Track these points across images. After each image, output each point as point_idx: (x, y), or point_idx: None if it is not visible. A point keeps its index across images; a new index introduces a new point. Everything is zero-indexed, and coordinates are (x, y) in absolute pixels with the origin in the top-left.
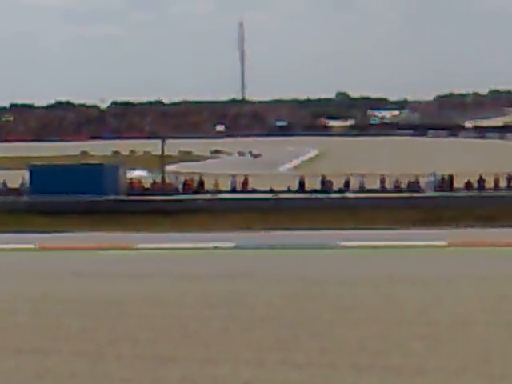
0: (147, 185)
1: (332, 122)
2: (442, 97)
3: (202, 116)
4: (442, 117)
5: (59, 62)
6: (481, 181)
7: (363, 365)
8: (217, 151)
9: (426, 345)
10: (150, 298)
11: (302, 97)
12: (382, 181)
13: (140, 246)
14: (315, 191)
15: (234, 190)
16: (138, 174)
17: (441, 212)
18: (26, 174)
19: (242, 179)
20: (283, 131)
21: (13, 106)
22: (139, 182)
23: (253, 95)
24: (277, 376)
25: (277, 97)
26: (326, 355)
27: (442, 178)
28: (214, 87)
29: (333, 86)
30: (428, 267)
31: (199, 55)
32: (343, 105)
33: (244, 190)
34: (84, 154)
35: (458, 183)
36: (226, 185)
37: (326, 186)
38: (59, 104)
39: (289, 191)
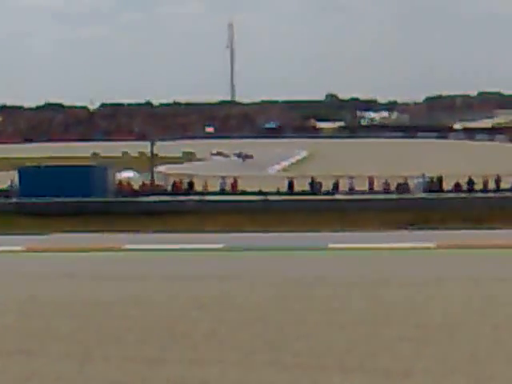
0: (136, 186)
1: (321, 124)
2: (432, 98)
3: (192, 117)
4: (432, 118)
5: (49, 63)
6: (470, 182)
7: (351, 366)
8: (219, 153)
9: (414, 346)
10: (138, 300)
11: (292, 98)
12: (371, 182)
13: (128, 247)
14: (304, 193)
15: (223, 192)
16: (126, 175)
17: (429, 214)
18: (15, 176)
19: (231, 181)
20: (273, 133)
21: (2, 107)
22: (128, 183)
23: (242, 97)
24: (265, 377)
25: (266, 98)
26: (314, 357)
27: (431, 180)
28: (204, 89)
29: (322, 87)
30: (416, 269)
31: (189, 56)
32: (333, 106)
33: (233, 192)
34: (95, 155)
35: (447, 185)
36: (215, 186)
37: (314, 187)
38: (48, 105)
39: (278, 193)
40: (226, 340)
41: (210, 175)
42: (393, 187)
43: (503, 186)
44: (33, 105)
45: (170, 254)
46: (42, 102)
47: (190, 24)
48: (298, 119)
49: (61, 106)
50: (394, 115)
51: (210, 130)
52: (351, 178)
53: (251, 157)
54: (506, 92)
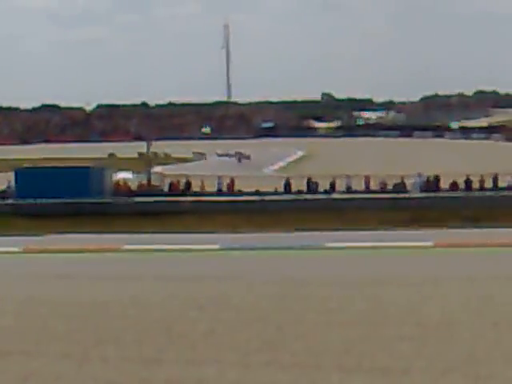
0: (133, 187)
1: (318, 124)
2: (428, 98)
3: (188, 118)
4: (428, 117)
5: (45, 65)
6: (468, 181)
7: (349, 366)
8: (225, 154)
9: (413, 346)
10: (135, 300)
11: (288, 98)
12: (368, 182)
13: (126, 247)
14: (301, 193)
15: (220, 192)
16: (123, 175)
17: (427, 213)
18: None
19: (228, 181)
20: (269, 133)
21: None
22: (125, 183)
23: (239, 97)
24: (263, 377)
25: (262, 98)
26: (312, 356)
27: (428, 179)
28: (200, 89)
29: (318, 87)
30: (414, 268)
31: (185, 57)
32: (329, 106)
33: (230, 192)
34: (111, 156)
35: (444, 184)
36: (212, 186)
37: (311, 187)
38: (45, 107)
39: (275, 193)
40: (224, 340)
41: (207, 175)
42: (389, 186)
43: (500, 184)
44: (29, 106)
45: (167, 254)
46: (38, 104)
47: (186, 25)
48: (294, 119)
49: (57, 107)
50: (390, 114)
51: (206, 130)
52: (348, 177)
53: (248, 157)
54: (502, 91)
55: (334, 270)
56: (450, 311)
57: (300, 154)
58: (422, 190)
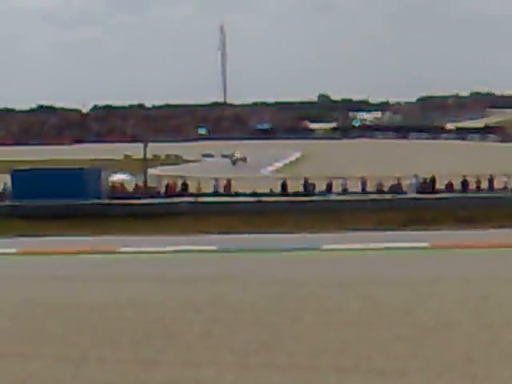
0: (130, 188)
1: (314, 125)
2: (424, 99)
3: (184, 119)
4: (424, 118)
5: (41, 66)
6: (464, 182)
7: (346, 367)
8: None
9: (409, 346)
10: (132, 302)
11: (284, 100)
12: (364, 183)
13: (122, 249)
14: (298, 194)
15: (216, 193)
16: (120, 177)
17: (423, 214)
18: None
19: (224, 182)
20: (265, 134)
21: None
22: (121, 185)
23: (235, 98)
24: (260, 379)
25: (258, 100)
26: (309, 357)
27: (424, 180)
28: (196, 90)
29: (314, 88)
30: (411, 269)
31: (181, 58)
32: (325, 107)
33: (227, 193)
34: (127, 157)
35: (440, 185)
36: (209, 188)
37: (308, 188)
38: (41, 108)
39: (271, 194)
40: (221, 341)
41: (204, 177)
42: (386, 188)
43: (496, 185)
44: (25, 107)
45: (164, 256)
46: (34, 105)
47: (182, 26)
48: (290, 120)
49: (53, 108)
50: (387, 115)
51: (202, 131)
52: (344, 178)
53: (245, 159)
54: (498, 92)
55: (331, 271)
56: (446, 312)
57: (296, 155)
58: (418, 191)
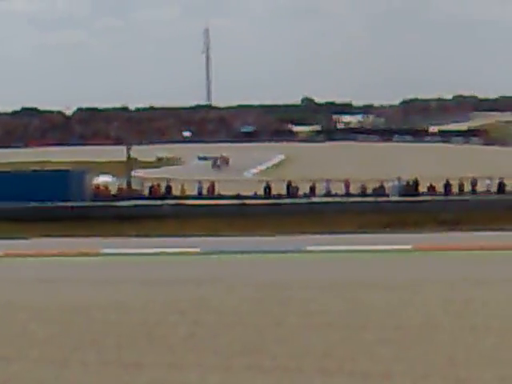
0: (113, 190)
1: (298, 128)
2: (407, 102)
3: (168, 122)
4: (407, 121)
5: (25, 68)
6: (447, 185)
7: (330, 369)
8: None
9: (393, 349)
10: (115, 304)
11: (268, 102)
12: (347, 186)
13: (105, 251)
14: (281, 196)
15: (200, 196)
16: (103, 179)
17: (406, 216)
18: None
19: (208, 185)
20: (249, 137)
21: None
22: (105, 187)
23: (219, 101)
24: (244, 381)
25: (243, 102)
26: (293, 360)
27: (407, 183)
28: (180, 93)
29: (298, 91)
30: (394, 271)
31: (165, 61)
32: (309, 110)
33: (210, 196)
34: (160, 159)
35: (424, 188)
36: (192, 190)
37: (291, 191)
38: (24, 110)
39: (255, 197)
40: (205, 344)
41: (187, 179)
42: (369, 190)
43: (479, 188)
44: (8, 110)
45: (148, 258)
46: (17, 107)
47: (167, 29)
48: (274, 123)
49: (37, 110)
50: (370, 118)
51: (186, 134)
52: (327, 181)
53: (227, 162)
54: (481, 95)
55: (315, 274)
56: (430, 314)
57: (280, 157)
58: (401, 194)
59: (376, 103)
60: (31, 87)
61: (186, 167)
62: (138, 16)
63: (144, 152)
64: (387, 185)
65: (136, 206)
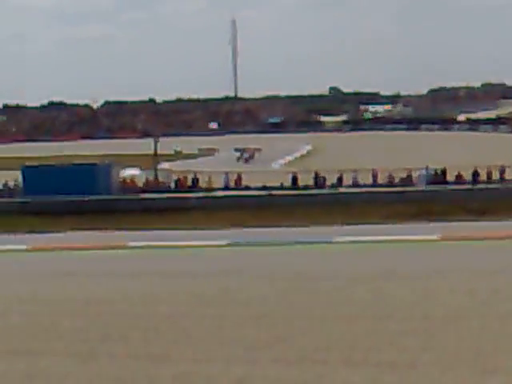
0: (140, 183)
1: (325, 118)
2: (435, 90)
3: (195, 114)
4: (435, 110)
5: (51, 63)
6: (475, 174)
7: (356, 361)
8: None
9: (419, 340)
10: (142, 297)
11: (295, 93)
12: (375, 176)
13: (133, 244)
14: (308, 187)
15: (227, 188)
16: (130, 172)
17: (433, 206)
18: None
19: (235, 176)
20: (276, 128)
21: (5, 106)
22: (132, 180)
23: (245, 92)
24: (270, 373)
25: (269, 93)
26: (319, 352)
27: (435, 172)
28: (207, 85)
29: (325, 81)
30: (421, 261)
31: (191, 53)
32: (336, 100)
33: (237, 187)
34: (178, 153)
35: (452, 177)
36: (219, 182)
37: (319, 181)
38: (52, 104)
39: (282, 188)
40: (231, 336)
41: (214, 171)
42: (397, 180)
43: (507, 176)
44: (36, 104)
45: (175, 251)
46: (45, 102)
47: (192, 21)
48: (301, 114)
49: (64, 104)
50: (398, 108)
51: (213, 126)
52: (355, 171)
53: (252, 155)
54: (510, 83)
55: (342, 265)
56: (457, 304)
57: (307, 148)
58: (428, 183)
59: (403, 92)
60: (58, 81)
61: (214, 159)
62: (164, 8)
63: (171, 144)
64: (415, 174)
65: (163, 198)
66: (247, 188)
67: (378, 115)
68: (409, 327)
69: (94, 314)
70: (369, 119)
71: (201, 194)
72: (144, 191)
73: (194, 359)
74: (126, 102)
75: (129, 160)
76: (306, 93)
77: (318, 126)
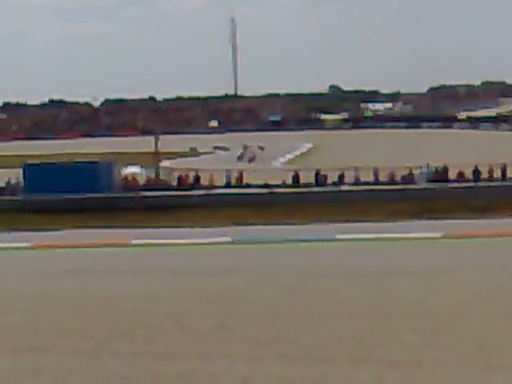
0: (142, 181)
1: (325, 116)
2: (435, 88)
3: (195, 112)
4: (435, 108)
5: (51, 60)
6: (476, 171)
7: (360, 358)
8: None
9: (423, 337)
10: (146, 295)
11: (295, 91)
12: (376, 173)
13: (135, 242)
14: (309, 185)
15: (228, 185)
16: (132, 170)
17: (435, 204)
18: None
19: (236, 174)
20: (277, 126)
21: (5, 104)
22: (133, 178)
23: (246, 90)
24: (274, 371)
25: (270, 91)
26: (323, 349)
27: (436, 170)
28: (207, 83)
29: (325, 79)
30: (423, 259)
31: (191, 51)
32: (336, 98)
33: (239, 185)
34: (193, 149)
35: (453, 174)
36: (220, 180)
37: (320, 179)
38: (52, 102)
39: (283, 185)
40: (235, 333)
41: (216, 169)
42: (398, 178)
43: (509, 174)
44: (36, 102)
45: (177, 248)
46: (45, 99)
47: (192, 19)
48: (301, 112)
49: (64, 102)
50: (398, 106)
51: (213, 124)
52: (356, 169)
53: (253, 159)
54: (510, 81)
55: (344, 262)
56: (460, 302)
57: (308, 146)
58: (430, 181)
59: (404, 90)
60: (58, 79)
61: (215, 156)
62: (164, 5)
63: (176, 142)
64: (416, 172)
65: (164, 196)
66: (248, 186)
67: (378, 113)
68: (412, 325)
69: (98, 311)
70: (369, 117)
71: (202, 192)
72: (145, 189)
73: (197, 357)
74: (126, 100)
75: (130, 158)
76: (305, 91)
77: (319, 124)
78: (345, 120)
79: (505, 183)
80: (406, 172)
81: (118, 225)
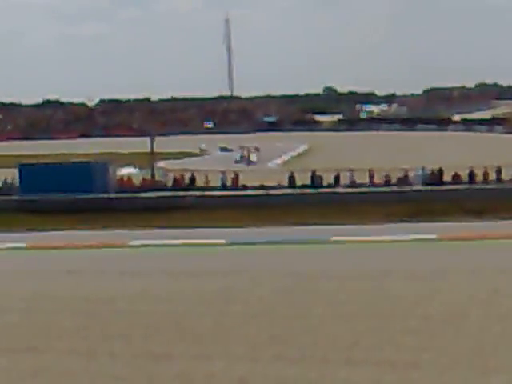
0: (137, 182)
1: (320, 117)
2: (430, 90)
3: (191, 113)
4: (430, 110)
5: (46, 61)
6: (471, 174)
7: (356, 359)
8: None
9: (419, 339)
10: (142, 295)
11: (290, 92)
12: (371, 175)
13: (131, 243)
14: (305, 186)
15: (224, 187)
16: (127, 171)
17: (430, 205)
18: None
19: (232, 175)
20: (272, 127)
21: (0, 104)
22: (129, 179)
23: (241, 91)
24: (271, 371)
25: (265, 93)
26: (320, 350)
27: (432, 172)
28: (202, 84)
29: (320, 81)
30: (419, 261)
31: (187, 52)
32: (331, 100)
33: (234, 187)
34: (203, 150)
35: (448, 177)
36: (216, 181)
37: (316, 181)
38: (47, 102)
39: (279, 187)
40: (231, 334)
41: (211, 170)
42: (393, 180)
43: (504, 177)
44: (31, 102)
45: (173, 249)
46: (40, 100)
47: (188, 20)
48: (296, 113)
49: (60, 103)
50: (393, 108)
51: (208, 125)
52: (352, 170)
53: (248, 156)
54: (505, 83)
55: (340, 264)
56: (456, 304)
57: (303, 147)
58: (425, 183)
59: (398, 92)
60: (54, 79)
61: (211, 158)
62: (159, 7)
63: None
64: (411, 174)
65: (160, 197)
66: (244, 187)
67: (373, 115)
68: (409, 326)
69: (95, 312)
70: (364, 119)
71: (198, 193)
72: (141, 190)
73: (195, 357)
74: (121, 101)
75: (125, 158)
76: (301, 92)
77: (314, 126)
78: (340, 121)
79: (500, 185)
80: (401, 174)
81: (113, 225)
